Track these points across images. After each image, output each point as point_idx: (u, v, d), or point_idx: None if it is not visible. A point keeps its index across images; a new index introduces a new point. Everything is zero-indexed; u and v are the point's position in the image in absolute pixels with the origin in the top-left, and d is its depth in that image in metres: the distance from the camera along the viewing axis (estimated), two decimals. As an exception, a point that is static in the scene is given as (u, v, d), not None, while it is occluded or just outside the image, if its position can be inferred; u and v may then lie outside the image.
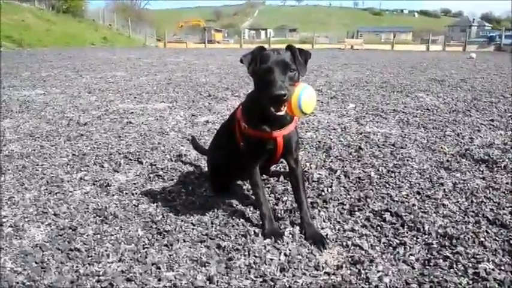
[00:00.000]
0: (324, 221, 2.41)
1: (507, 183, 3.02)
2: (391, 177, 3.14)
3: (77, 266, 1.95)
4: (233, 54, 23.76)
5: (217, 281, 1.81)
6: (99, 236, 2.24)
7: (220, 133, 2.94)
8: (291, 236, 2.22)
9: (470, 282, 1.81)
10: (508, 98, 7.14)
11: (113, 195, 2.80)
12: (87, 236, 2.24)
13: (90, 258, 2.02)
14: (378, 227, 2.34)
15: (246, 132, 2.35)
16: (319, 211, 2.53)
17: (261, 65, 2.16)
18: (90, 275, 1.88)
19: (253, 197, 2.45)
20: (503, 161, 3.45)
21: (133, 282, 1.82)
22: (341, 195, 2.78)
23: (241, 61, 2.25)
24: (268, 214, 2.31)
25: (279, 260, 1.99)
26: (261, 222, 2.34)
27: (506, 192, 2.84)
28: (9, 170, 3.26)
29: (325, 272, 1.89)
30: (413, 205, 2.60)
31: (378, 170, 3.28)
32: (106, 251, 2.08)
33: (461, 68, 14.29)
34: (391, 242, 2.17)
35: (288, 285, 1.78)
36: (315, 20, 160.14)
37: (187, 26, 57.70)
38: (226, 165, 2.72)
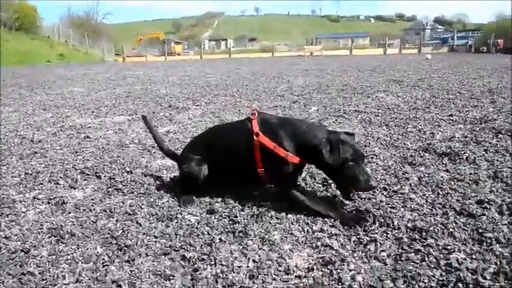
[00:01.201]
0: (292, 223, 2.33)
1: (470, 173, 3.04)
2: (357, 175, 3.10)
3: (29, 291, 1.80)
4: (193, 65, 23.68)
5: (183, 294, 1.70)
6: (54, 256, 2.08)
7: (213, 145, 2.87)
8: (259, 240, 2.14)
9: (444, 273, 1.76)
10: (465, 94, 7.32)
11: (69, 212, 2.63)
12: (41, 257, 2.07)
13: (44, 281, 1.86)
14: (347, 226, 2.28)
15: (288, 159, 2.50)
16: (287, 213, 2.45)
17: (348, 153, 2.38)
18: (44, 298, 1.74)
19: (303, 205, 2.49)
20: (464, 153, 3.48)
21: (91, 302, 1.69)
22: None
23: (320, 148, 2.41)
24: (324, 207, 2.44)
25: (248, 266, 1.89)
26: (233, 227, 2.30)
27: (470, 183, 2.86)
28: (-45, 193, 3.04)
29: (296, 276, 1.81)
30: (381, 201, 2.57)
31: (344, 169, 3.24)
32: (62, 272, 1.93)
33: (418, 68, 14.66)
34: (361, 240, 2.11)
35: (257, 293, 1.69)
36: (274, 28, 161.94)
37: (146, 39, 57.07)
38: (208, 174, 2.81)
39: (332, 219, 2.34)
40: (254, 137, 2.56)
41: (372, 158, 3.53)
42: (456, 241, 2.04)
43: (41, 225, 2.44)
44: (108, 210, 2.61)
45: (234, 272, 1.85)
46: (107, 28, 65.90)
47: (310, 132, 2.55)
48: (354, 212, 2.45)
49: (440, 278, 1.74)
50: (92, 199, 2.84)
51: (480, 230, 2.13)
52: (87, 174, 3.37)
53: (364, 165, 2.46)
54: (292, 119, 2.95)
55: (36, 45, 34.07)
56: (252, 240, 2.16)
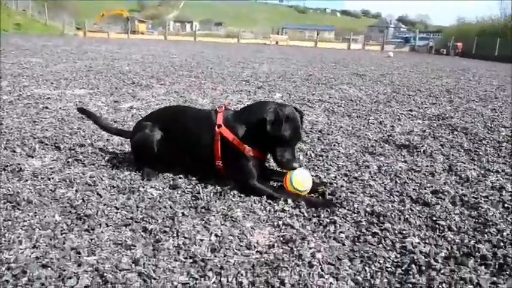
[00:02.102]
0: (255, 202, 2.36)
1: (427, 165, 3.16)
2: (319, 160, 3.18)
3: (-17, 255, 1.73)
4: (157, 45, 23.24)
5: (144, 264, 1.69)
6: (10, 222, 2.01)
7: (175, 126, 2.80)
8: (221, 217, 2.15)
9: (398, 255, 1.84)
10: (424, 92, 7.56)
11: (27, 180, 2.55)
12: (-5, 222, 2.01)
13: (-1, 245, 1.81)
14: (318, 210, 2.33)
15: (248, 153, 2.52)
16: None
17: (287, 131, 2.46)
18: (-1, 263, 1.68)
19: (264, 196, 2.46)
20: (422, 146, 3.62)
21: (49, 268, 1.65)
22: (271, 178, 2.75)
23: (265, 117, 2.45)
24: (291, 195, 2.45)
25: (210, 240, 1.91)
26: (196, 203, 2.33)
27: (426, 174, 2.97)
28: None
29: (257, 251, 1.84)
30: (342, 186, 2.63)
31: (307, 154, 3.31)
32: (18, 237, 1.87)
33: (381, 65, 14.99)
34: (321, 221, 2.16)
35: (219, 265, 1.70)
36: (241, 14, 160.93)
37: (109, 15, 55.36)
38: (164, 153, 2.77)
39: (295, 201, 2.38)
40: (216, 128, 2.57)
41: (334, 145, 3.60)
42: (411, 227, 2.13)
43: (-4, 191, 2.36)
44: (67, 180, 2.55)
45: (196, 245, 1.86)
46: (68, 0, 63.36)
47: (258, 109, 2.59)
48: (321, 197, 2.50)
49: (395, 260, 1.81)
50: (51, 168, 2.77)
51: (434, 218, 2.23)
52: (46, 144, 3.27)
53: (295, 146, 2.61)
54: (248, 105, 2.95)
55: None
56: (214, 216, 2.16)
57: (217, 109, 2.71)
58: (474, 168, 3.14)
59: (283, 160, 2.49)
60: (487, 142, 3.92)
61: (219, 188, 2.54)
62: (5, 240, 1.84)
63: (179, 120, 2.81)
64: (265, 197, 2.43)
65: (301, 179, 2.48)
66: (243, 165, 2.53)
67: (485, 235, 2.06)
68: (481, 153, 3.57)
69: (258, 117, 2.50)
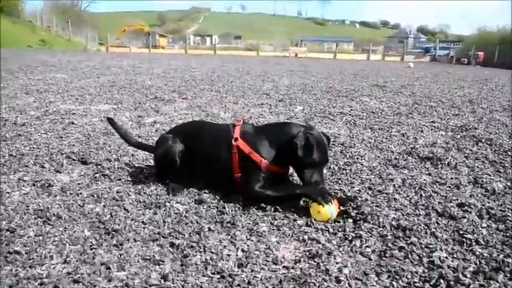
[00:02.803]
0: (279, 217, 2.37)
1: (452, 178, 3.13)
2: (343, 174, 3.18)
3: (16, 270, 1.78)
4: (178, 59, 23.52)
5: (173, 279, 1.71)
6: (41, 237, 2.07)
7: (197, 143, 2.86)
8: (247, 231, 2.17)
9: (426, 270, 1.83)
10: (446, 103, 7.49)
11: (56, 195, 2.62)
12: (27, 237, 2.06)
13: (31, 260, 1.86)
14: (333, 222, 2.33)
15: (261, 165, 2.56)
16: (275, 209, 2.48)
17: (317, 155, 2.52)
18: (32, 278, 1.72)
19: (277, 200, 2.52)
20: (446, 158, 3.58)
21: (80, 283, 1.69)
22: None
23: (295, 141, 2.50)
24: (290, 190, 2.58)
25: (237, 255, 1.92)
26: (222, 218, 2.36)
27: (451, 187, 2.94)
28: None
29: (283, 266, 1.85)
30: (366, 200, 2.62)
31: (330, 168, 3.31)
32: (49, 252, 1.92)
33: (401, 75, 14.89)
34: (346, 236, 2.16)
35: (247, 281, 1.72)
36: (260, 28, 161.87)
37: (130, 30, 56.33)
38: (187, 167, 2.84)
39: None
40: (233, 141, 2.63)
41: (357, 158, 3.59)
42: (438, 240, 2.11)
43: (27, 206, 2.42)
44: (95, 195, 2.61)
45: (223, 260, 1.88)
46: (90, 16, 64.78)
47: (284, 130, 2.66)
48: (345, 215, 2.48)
49: (423, 274, 1.80)
50: (79, 183, 2.83)
51: (461, 232, 2.21)
52: (73, 159, 3.35)
53: (323, 171, 2.65)
54: (272, 123, 3.03)
55: (17, 29, 33.27)
56: (240, 231, 2.19)
57: (235, 123, 2.78)
58: (500, 180, 3.10)
59: (311, 182, 2.53)
60: (513, 153, 3.86)
61: (243, 202, 2.56)
62: (37, 256, 1.89)
63: (199, 135, 2.89)
64: (275, 202, 2.51)
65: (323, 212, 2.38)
66: (254, 175, 2.57)
67: (514, 249, 2.03)
68: (506, 164, 3.52)
69: (285, 139, 2.56)
